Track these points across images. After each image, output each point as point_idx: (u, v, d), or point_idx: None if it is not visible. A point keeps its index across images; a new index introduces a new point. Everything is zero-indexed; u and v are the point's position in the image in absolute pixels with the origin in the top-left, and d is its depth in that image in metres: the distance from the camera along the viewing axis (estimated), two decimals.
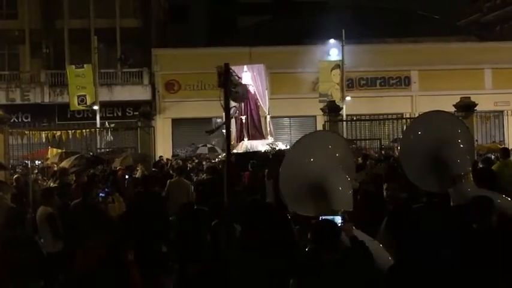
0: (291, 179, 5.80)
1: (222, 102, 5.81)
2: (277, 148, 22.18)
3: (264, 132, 24.54)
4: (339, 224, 5.12)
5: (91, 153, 22.46)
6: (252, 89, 24.23)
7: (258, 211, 7.55)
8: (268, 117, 24.84)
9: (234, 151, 23.20)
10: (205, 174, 18.03)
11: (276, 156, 15.79)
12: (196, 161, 26.33)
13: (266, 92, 24.51)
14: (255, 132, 24.13)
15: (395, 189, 7.17)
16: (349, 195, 5.34)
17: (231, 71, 4.71)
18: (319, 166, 5.53)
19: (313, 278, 4.75)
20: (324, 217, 5.26)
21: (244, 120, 24.05)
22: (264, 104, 24.58)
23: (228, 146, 4.45)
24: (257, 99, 24.44)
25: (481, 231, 4.85)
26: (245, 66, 24.47)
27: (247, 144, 23.42)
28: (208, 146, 30.36)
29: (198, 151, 30.77)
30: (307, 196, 5.60)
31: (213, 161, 24.66)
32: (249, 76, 24.29)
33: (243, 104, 24.17)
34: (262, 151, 22.19)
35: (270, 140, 23.91)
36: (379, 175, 11.35)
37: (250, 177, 14.64)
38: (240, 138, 23.99)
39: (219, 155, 26.94)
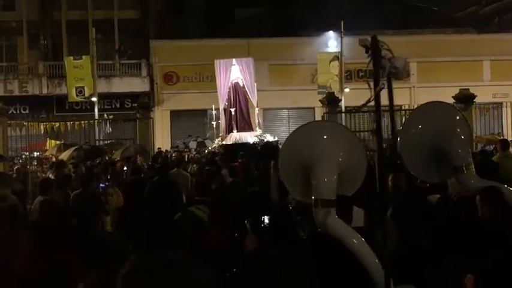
0: (289, 158, 5.82)
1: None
2: (265, 140, 22.40)
3: (252, 124, 24.85)
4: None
5: (89, 145, 22.43)
6: (241, 82, 24.59)
7: (258, 202, 7.58)
8: (256, 109, 25.12)
9: (223, 143, 23.48)
10: (195, 165, 18.14)
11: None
12: (195, 152, 26.40)
13: (255, 84, 24.82)
14: (244, 125, 24.50)
15: (401, 180, 7.18)
16: (330, 188, 5.32)
17: (380, 43, 4.32)
18: (316, 152, 5.52)
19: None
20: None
21: (233, 113, 24.40)
22: (253, 96, 24.89)
23: (378, 132, 4.10)
24: (246, 91, 24.77)
25: (490, 222, 4.86)
26: (234, 60, 24.97)
27: (236, 136, 23.71)
28: (199, 140, 30.39)
29: (190, 145, 30.82)
30: (299, 180, 5.59)
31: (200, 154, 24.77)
32: (237, 69, 24.86)
33: (232, 97, 24.55)
34: (251, 143, 22.44)
35: (259, 132, 24.16)
36: (368, 166, 11.40)
37: (243, 168, 14.69)
38: (229, 130, 24.26)
39: (208, 148, 27.07)
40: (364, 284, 4.78)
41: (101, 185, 10.40)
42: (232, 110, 24.55)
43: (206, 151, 25.19)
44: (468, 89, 23.02)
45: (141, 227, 9.46)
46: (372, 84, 4.34)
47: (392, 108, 4.56)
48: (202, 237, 6.49)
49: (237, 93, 24.84)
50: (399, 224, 5.34)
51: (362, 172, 5.82)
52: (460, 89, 23.27)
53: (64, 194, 9.88)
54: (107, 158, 20.23)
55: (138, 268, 1.87)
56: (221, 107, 25.12)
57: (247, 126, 24.67)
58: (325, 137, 5.59)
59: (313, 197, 5.19)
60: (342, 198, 5.44)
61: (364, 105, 4.59)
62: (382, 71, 4.44)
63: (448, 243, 4.97)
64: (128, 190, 11.39)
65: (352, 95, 32.91)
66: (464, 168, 5.50)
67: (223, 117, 25.02)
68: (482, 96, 25.91)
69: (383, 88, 4.29)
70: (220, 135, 24.93)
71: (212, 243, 6.24)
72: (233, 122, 24.47)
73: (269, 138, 23.38)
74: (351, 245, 4.90)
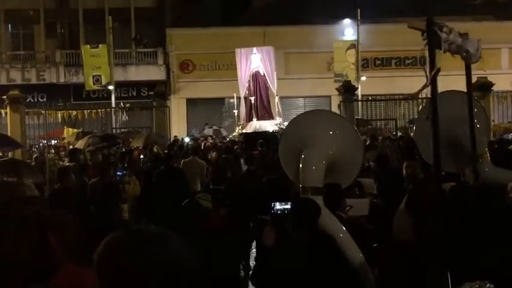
0: (287, 144, 5.89)
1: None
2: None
3: (273, 112, 25.00)
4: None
5: (101, 133, 22.54)
6: (261, 70, 24.74)
7: (274, 190, 7.60)
8: (276, 98, 25.23)
9: (243, 131, 23.55)
10: (214, 153, 18.19)
11: None
12: (211, 140, 26.43)
13: (275, 73, 24.97)
14: (264, 113, 24.71)
15: (415, 168, 7.16)
16: (317, 176, 5.32)
17: (441, 24, 3.99)
18: (308, 140, 5.56)
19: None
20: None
21: (253, 101, 24.56)
22: (273, 85, 25.04)
23: (434, 118, 3.79)
24: (266, 80, 24.92)
25: None
26: (254, 48, 25.25)
27: (256, 125, 23.88)
28: (214, 128, 30.46)
29: (204, 132, 30.85)
30: (294, 165, 5.64)
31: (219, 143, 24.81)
32: (258, 58, 25.17)
33: (252, 85, 24.70)
34: (271, 131, 22.50)
35: (279, 120, 24.25)
36: (383, 155, 11.40)
37: (261, 156, 14.72)
38: (249, 119, 24.41)
39: (227, 136, 27.10)
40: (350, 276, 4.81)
41: (118, 173, 10.46)
42: (252, 98, 24.73)
43: (227, 139, 25.25)
44: (486, 77, 22.84)
45: (151, 214, 9.55)
46: (427, 69, 4.06)
47: (471, 95, 4.40)
48: (205, 224, 6.55)
49: (258, 81, 25.04)
50: (413, 212, 5.33)
51: (357, 165, 5.85)
52: (478, 77, 23.09)
53: (81, 182, 9.96)
54: (123, 146, 20.33)
55: (108, 245, 1.90)
56: (241, 95, 25.29)
57: (268, 115, 24.86)
58: (319, 127, 5.62)
59: (300, 185, 5.24)
60: (332, 187, 5.46)
61: (419, 91, 4.46)
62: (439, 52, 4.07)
63: (473, 231, 4.95)
64: (145, 178, 11.48)
65: (369, 84, 32.81)
66: (479, 157, 5.49)
67: (244, 105, 25.18)
68: (501, 84, 25.68)
69: (439, 72, 4.05)
70: (241, 123, 25.07)
71: (215, 230, 6.28)
72: (253, 111, 24.64)
73: None
74: (334, 235, 4.93)
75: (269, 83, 25.05)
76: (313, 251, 4.74)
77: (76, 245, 3.72)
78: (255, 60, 25.09)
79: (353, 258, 4.88)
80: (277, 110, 25.40)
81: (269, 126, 23.61)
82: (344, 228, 5.04)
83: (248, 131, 23.45)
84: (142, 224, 2.06)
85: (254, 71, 25.01)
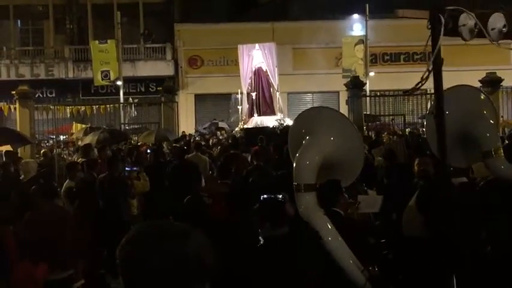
0: (293, 139, 5.90)
1: None
2: (285, 124, 22.48)
3: (275, 108, 25.11)
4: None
5: (109, 129, 22.57)
6: (263, 66, 24.85)
7: (279, 185, 7.60)
8: (278, 93, 25.32)
9: (245, 126, 23.64)
10: (215, 149, 18.19)
11: None
12: (220, 136, 26.43)
13: (276, 69, 25.04)
14: (266, 109, 24.83)
15: (427, 165, 7.10)
16: (310, 173, 5.29)
17: (460, 9, 3.69)
18: (308, 135, 5.55)
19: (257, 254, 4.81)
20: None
21: (254, 97, 24.65)
22: (274, 81, 25.12)
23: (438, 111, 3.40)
24: (268, 76, 25.00)
25: None
26: (257, 45, 25.48)
27: (257, 120, 23.97)
28: (220, 124, 30.45)
29: (219, 125, 30.73)
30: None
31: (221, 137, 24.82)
32: (260, 54, 25.32)
33: (254, 81, 24.83)
34: (271, 127, 22.58)
35: (280, 115, 24.33)
36: (390, 150, 11.38)
37: (262, 152, 14.63)
38: (250, 114, 24.52)
39: (227, 132, 27.11)
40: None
41: (126, 168, 10.45)
42: (254, 94, 24.82)
43: (226, 134, 25.28)
44: (495, 73, 22.73)
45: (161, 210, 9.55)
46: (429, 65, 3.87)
47: (439, 75, 4.30)
48: (206, 217, 6.56)
49: (260, 77, 25.13)
50: (423, 210, 5.30)
51: (358, 166, 5.82)
52: (486, 73, 23.00)
53: (90, 178, 9.97)
54: (132, 142, 20.34)
55: (130, 239, 1.91)
56: (244, 91, 25.37)
57: (270, 111, 24.92)
58: (319, 124, 5.61)
59: (294, 183, 5.20)
60: (329, 183, 5.43)
61: (416, 87, 4.28)
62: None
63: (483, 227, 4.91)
64: (155, 173, 11.49)
65: (377, 79, 32.71)
66: (493, 153, 5.43)
67: (245, 101, 25.27)
68: (510, 79, 25.52)
69: (442, 64, 3.86)
70: (243, 119, 25.15)
71: (217, 221, 6.28)
72: (255, 107, 24.72)
73: (289, 122, 23.45)
74: (322, 233, 4.88)
75: (271, 78, 25.14)
76: (295, 251, 4.70)
77: (29, 242, 3.73)
78: (257, 56, 25.21)
79: (340, 259, 4.80)
80: (278, 105, 25.50)
81: (269, 121, 23.69)
82: (333, 227, 4.96)
83: (249, 126, 23.54)
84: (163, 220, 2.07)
85: (256, 67, 25.12)
